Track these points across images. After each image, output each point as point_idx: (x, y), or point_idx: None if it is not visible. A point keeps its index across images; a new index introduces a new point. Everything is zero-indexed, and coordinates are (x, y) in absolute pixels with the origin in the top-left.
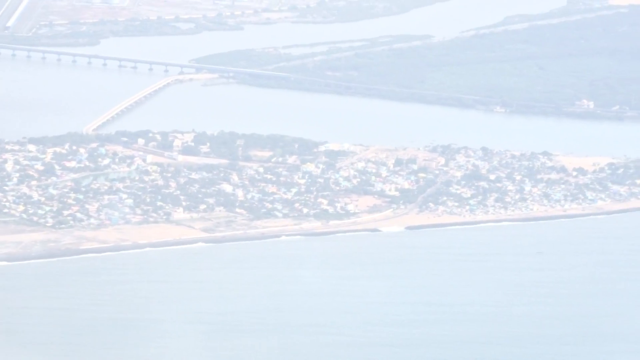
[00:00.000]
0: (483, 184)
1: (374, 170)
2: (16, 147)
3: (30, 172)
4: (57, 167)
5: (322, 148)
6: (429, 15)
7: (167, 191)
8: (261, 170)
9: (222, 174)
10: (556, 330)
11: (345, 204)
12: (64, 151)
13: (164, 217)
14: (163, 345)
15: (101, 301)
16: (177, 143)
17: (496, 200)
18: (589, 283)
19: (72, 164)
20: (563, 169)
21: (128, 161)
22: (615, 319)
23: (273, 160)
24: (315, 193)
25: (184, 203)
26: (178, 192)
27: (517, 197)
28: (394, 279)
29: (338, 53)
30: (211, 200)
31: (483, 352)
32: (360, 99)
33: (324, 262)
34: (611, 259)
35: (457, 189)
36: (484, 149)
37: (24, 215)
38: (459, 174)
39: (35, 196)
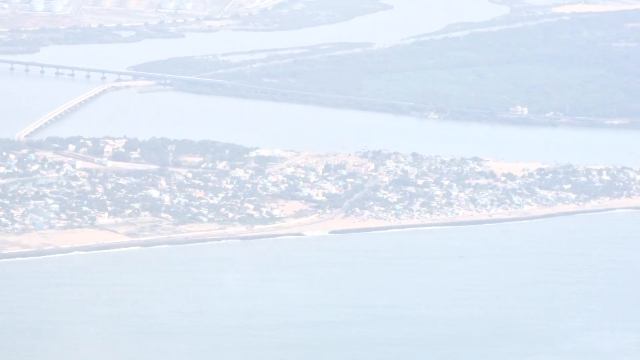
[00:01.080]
0: (411, 189)
1: (302, 176)
2: None
3: None
4: None
5: (253, 154)
6: (372, 23)
7: (93, 196)
8: (190, 175)
9: (150, 180)
10: (474, 332)
11: (271, 208)
12: None
13: (89, 222)
14: (78, 347)
15: (21, 305)
16: (107, 149)
17: (422, 205)
18: (510, 286)
19: (1, 169)
20: (492, 174)
21: (57, 167)
22: (535, 321)
23: (203, 165)
24: (242, 198)
25: (109, 208)
26: (104, 197)
27: (443, 201)
28: (316, 281)
29: (277, 60)
30: (137, 205)
31: (402, 353)
32: (296, 105)
33: (246, 266)
34: (532, 262)
35: (384, 194)
36: (414, 154)
37: None
38: (387, 179)
39: None
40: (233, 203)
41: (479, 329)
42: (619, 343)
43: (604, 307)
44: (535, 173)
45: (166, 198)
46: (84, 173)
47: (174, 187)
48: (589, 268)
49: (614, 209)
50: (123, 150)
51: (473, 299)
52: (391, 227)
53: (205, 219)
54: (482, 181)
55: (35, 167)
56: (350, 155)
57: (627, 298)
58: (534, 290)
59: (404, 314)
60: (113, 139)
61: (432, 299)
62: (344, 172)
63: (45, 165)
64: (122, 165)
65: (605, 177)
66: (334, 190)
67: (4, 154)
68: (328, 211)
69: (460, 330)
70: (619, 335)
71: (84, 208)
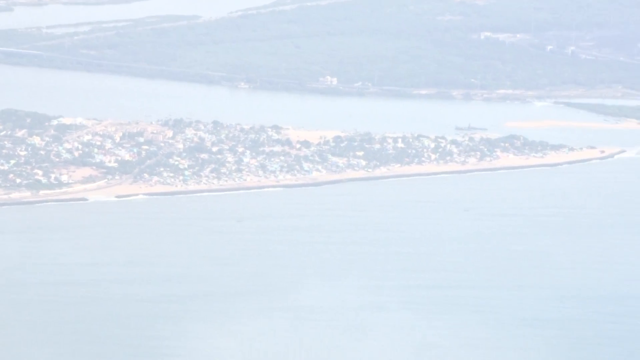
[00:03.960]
0: (204, 156)
1: (99, 143)
2: None
3: None
4: None
5: (54, 122)
6: None
7: None
8: None
9: None
10: (233, 288)
11: (60, 174)
12: None
13: None
14: None
15: None
16: None
17: (212, 171)
18: (278, 246)
19: None
20: (288, 142)
21: None
22: (276, 279)
23: (2, 133)
24: (33, 165)
25: None
26: None
27: (233, 168)
28: (94, 242)
29: (100, 33)
30: None
31: (165, 309)
32: (109, 76)
33: (24, 228)
34: (309, 224)
35: (176, 161)
36: (215, 122)
37: None
38: (182, 147)
39: None
40: (23, 169)
41: (222, 287)
42: (360, 299)
43: (363, 266)
44: (331, 141)
45: None
46: None
47: None
48: (360, 230)
49: (403, 175)
50: None
51: (237, 257)
52: (177, 192)
53: None
54: (277, 148)
55: None
56: (152, 123)
57: (385, 257)
58: (299, 251)
59: (175, 272)
60: None
61: (205, 258)
62: (141, 140)
63: None
64: None
65: (400, 145)
66: (127, 157)
67: None
68: (117, 177)
69: (219, 288)
70: (363, 292)
71: None
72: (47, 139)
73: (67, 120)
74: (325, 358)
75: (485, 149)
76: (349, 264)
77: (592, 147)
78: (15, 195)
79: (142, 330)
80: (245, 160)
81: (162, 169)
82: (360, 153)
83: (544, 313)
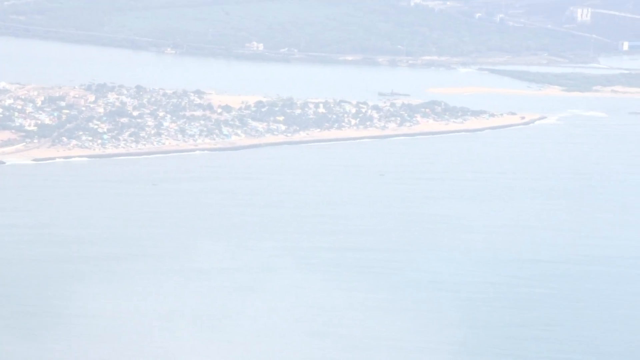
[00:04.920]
0: (124, 119)
1: (19, 107)
2: None
3: None
4: None
5: None
6: None
7: None
8: None
9: None
10: (138, 250)
11: None
12: None
13: None
14: None
15: None
16: None
17: (131, 135)
18: (192, 208)
19: None
20: (209, 107)
21: None
22: (196, 240)
23: None
24: None
25: None
26: None
27: (152, 132)
28: (6, 204)
29: None
30: None
31: (64, 270)
32: (38, 41)
33: None
34: (221, 188)
35: (96, 125)
36: (138, 87)
37: None
38: (102, 111)
39: None
40: None
41: (128, 249)
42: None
43: (274, 229)
44: (252, 106)
45: None
46: None
47: None
48: (275, 194)
49: (322, 140)
50: None
51: (148, 220)
52: (95, 156)
53: None
54: (198, 113)
55: None
56: (75, 88)
57: (297, 220)
58: (212, 213)
59: (79, 234)
60: None
61: (112, 221)
62: (63, 104)
63: None
64: None
65: (321, 110)
66: (47, 121)
67: None
68: (36, 140)
69: (115, 249)
70: (266, 254)
71: None
72: None
73: None
74: (211, 317)
75: (406, 115)
76: (261, 226)
77: (513, 113)
78: None
79: (37, 291)
80: (165, 124)
81: (81, 133)
82: (281, 118)
83: (455, 276)
